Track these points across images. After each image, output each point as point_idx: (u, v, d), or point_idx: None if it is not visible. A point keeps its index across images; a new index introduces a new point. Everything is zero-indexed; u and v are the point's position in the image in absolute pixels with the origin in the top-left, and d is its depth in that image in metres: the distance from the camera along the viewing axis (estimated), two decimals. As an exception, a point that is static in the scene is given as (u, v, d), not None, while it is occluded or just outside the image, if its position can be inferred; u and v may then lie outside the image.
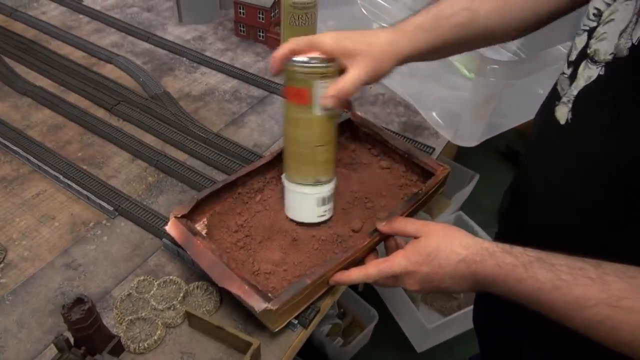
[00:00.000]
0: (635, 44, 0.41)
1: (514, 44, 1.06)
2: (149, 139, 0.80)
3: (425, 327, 1.29)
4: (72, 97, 0.86)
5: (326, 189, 0.61)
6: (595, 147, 0.46)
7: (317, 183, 0.61)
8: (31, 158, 0.73)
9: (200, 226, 0.63)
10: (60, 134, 0.79)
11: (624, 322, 0.39)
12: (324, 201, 0.62)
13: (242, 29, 1.04)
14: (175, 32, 1.06)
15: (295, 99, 0.56)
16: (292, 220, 0.64)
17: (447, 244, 0.49)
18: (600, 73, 0.45)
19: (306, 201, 0.61)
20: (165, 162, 0.75)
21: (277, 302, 0.50)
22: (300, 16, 0.87)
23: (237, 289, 0.52)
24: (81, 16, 1.09)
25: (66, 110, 0.83)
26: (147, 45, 1.01)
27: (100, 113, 0.84)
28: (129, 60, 0.95)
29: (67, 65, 0.93)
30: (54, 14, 1.09)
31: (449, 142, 0.84)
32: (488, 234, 1.56)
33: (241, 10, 1.01)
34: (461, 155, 1.99)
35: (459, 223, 1.64)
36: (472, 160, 1.96)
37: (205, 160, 0.76)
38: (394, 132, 0.83)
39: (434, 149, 0.81)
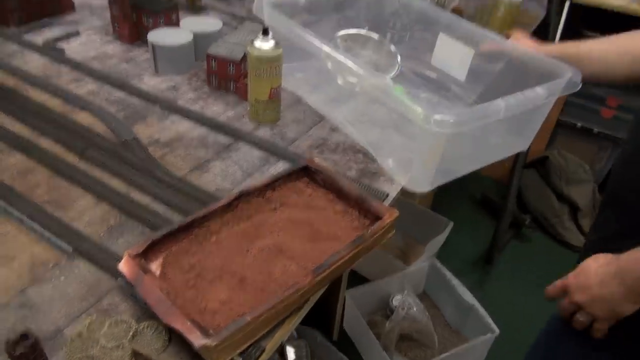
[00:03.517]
0: None
1: (471, 97, 1.12)
2: (115, 182, 0.83)
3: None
4: (45, 143, 0.90)
5: None
6: None
7: None
8: (-2, 200, 0.76)
9: (155, 265, 0.65)
10: (29, 178, 0.82)
11: None
12: None
13: (213, 80, 1.09)
14: (151, 82, 1.11)
15: None
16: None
17: (590, 261, 0.69)
18: None
19: None
20: (128, 205, 0.78)
21: (216, 339, 0.52)
22: (265, 69, 0.93)
23: (180, 325, 0.54)
24: (62, 66, 1.14)
25: (37, 154, 0.87)
26: (122, 94, 1.06)
27: (71, 158, 0.87)
28: (103, 108, 1.00)
29: (43, 112, 0.97)
30: (36, 64, 1.14)
31: (411, 190, 0.88)
32: (462, 282, 1.58)
33: (213, 63, 1.07)
34: (438, 203, 2.04)
35: (432, 270, 1.66)
36: (448, 208, 2.00)
37: (168, 204, 0.79)
38: (350, 178, 0.87)
39: (387, 194, 0.85)
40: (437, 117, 0.76)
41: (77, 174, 0.83)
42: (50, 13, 1.35)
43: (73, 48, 1.22)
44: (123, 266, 0.62)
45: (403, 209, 1.52)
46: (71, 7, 1.41)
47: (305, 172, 0.83)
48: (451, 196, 2.17)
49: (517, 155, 1.97)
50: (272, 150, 0.93)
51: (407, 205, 1.86)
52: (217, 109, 1.04)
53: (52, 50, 1.19)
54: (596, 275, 0.67)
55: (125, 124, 0.96)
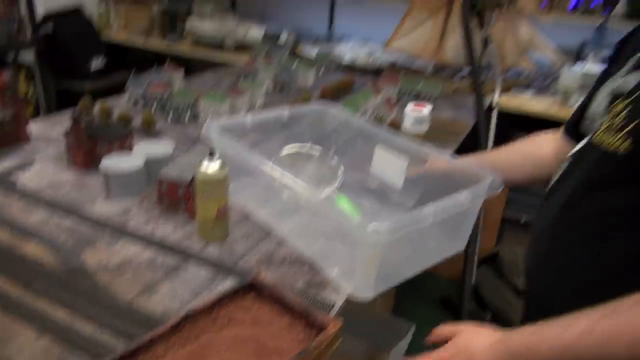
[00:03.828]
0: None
1: (410, 202, 1.20)
2: (59, 313, 0.82)
3: None
4: (-11, 276, 0.90)
5: None
6: None
7: None
8: None
9: None
10: (-31, 314, 0.81)
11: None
12: None
13: (164, 201, 1.14)
14: (103, 208, 1.14)
15: None
16: None
17: (472, 338, 0.71)
18: None
19: None
20: (72, 336, 0.77)
21: None
22: (211, 189, 0.99)
23: None
24: (12, 196, 1.16)
25: (-20, 289, 0.86)
26: (72, 221, 1.08)
27: (16, 291, 0.87)
28: (51, 236, 1.01)
29: (-10, 245, 0.97)
30: (-12, 196, 1.16)
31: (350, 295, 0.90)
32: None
33: (164, 185, 1.12)
34: (398, 306, 2.04)
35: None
36: (409, 310, 2.01)
37: (114, 330, 0.79)
38: (297, 290, 0.89)
39: (334, 303, 0.87)
40: (372, 225, 0.82)
41: (20, 307, 0.83)
42: (5, 144, 1.40)
43: (27, 177, 1.25)
44: None
45: (363, 316, 1.52)
46: (27, 138, 1.47)
47: (251, 288, 0.85)
48: (411, 298, 2.19)
49: (466, 254, 2.04)
50: (220, 267, 0.95)
51: (367, 311, 1.86)
52: (168, 229, 1.07)
53: (3, 181, 1.22)
54: (482, 358, 0.67)
55: (74, 251, 0.97)
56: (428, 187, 1.18)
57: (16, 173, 1.28)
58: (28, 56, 3.03)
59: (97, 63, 3.39)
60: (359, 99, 1.81)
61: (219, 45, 3.25)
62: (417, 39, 2.45)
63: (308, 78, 2.26)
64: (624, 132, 0.70)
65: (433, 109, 1.84)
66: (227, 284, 0.92)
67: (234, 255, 1.00)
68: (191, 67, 3.34)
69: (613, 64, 0.89)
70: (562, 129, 1.03)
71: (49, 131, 1.54)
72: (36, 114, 2.96)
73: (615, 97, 0.78)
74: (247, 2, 3.61)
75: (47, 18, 3.21)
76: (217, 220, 1.02)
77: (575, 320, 0.63)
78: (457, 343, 0.72)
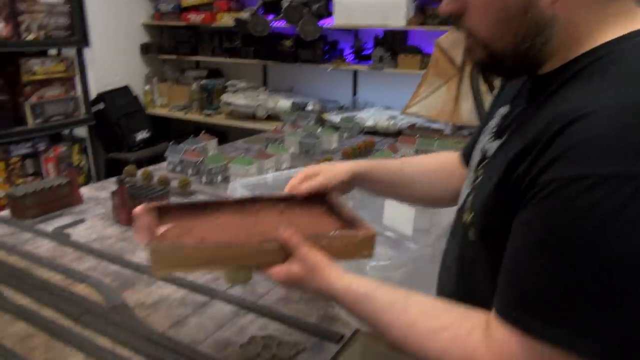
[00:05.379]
0: None
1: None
2: (103, 341, 0.95)
3: None
4: (45, 312, 1.04)
5: None
6: None
7: None
8: (0, 362, 0.88)
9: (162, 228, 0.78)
10: (28, 342, 0.95)
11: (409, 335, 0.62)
12: None
13: (196, 249, 1.28)
14: (142, 255, 1.29)
15: None
16: None
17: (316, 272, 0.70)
18: None
19: None
20: (114, 359, 0.89)
21: (158, 242, 0.69)
22: (235, 236, 1.12)
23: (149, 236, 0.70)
24: (67, 248, 1.34)
25: (38, 322, 1.00)
26: (116, 267, 1.23)
27: (67, 323, 1.01)
28: (98, 280, 1.16)
29: (46, 287, 1.13)
30: (46, 248, 1.34)
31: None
32: None
33: (195, 235, 1.27)
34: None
35: None
36: None
37: (148, 356, 0.91)
38: (310, 324, 0.99)
39: (343, 335, 0.97)
40: (372, 264, 0.93)
41: (71, 336, 0.96)
42: (62, 206, 1.60)
43: (78, 232, 1.43)
44: (137, 211, 0.76)
45: (384, 352, 1.58)
46: (80, 200, 1.67)
47: (320, 202, 0.88)
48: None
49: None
50: (242, 305, 1.07)
51: (379, 353, 1.90)
52: (198, 273, 1.21)
53: (59, 236, 1.40)
54: (312, 292, 0.71)
55: (116, 291, 1.12)
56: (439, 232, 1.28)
57: (69, 230, 1.46)
58: (81, 131, 3.37)
59: (142, 135, 3.72)
60: (376, 159, 1.96)
61: (251, 116, 3.52)
62: (434, 103, 2.62)
63: (332, 142, 2.44)
64: (469, 220, 0.67)
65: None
66: (248, 319, 1.03)
67: (255, 295, 1.12)
68: (226, 136, 3.62)
69: (493, 104, 0.81)
70: (459, 154, 0.96)
71: (98, 194, 1.74)
72: (88, 182, 3.24)
73: (483, 157, 0.71)
74: (277, 76, 3.93)
75: (100, 96, 3.59)
76: (241, 266, 1.14)
77: (408, 309, 0.63)
78: (309, 273, 0.70)
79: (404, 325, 0.62)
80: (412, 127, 2.76)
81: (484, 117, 0.82)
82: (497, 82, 2.38)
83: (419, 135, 2.37)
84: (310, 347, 0.95)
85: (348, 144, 2.43)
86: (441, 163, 0.98)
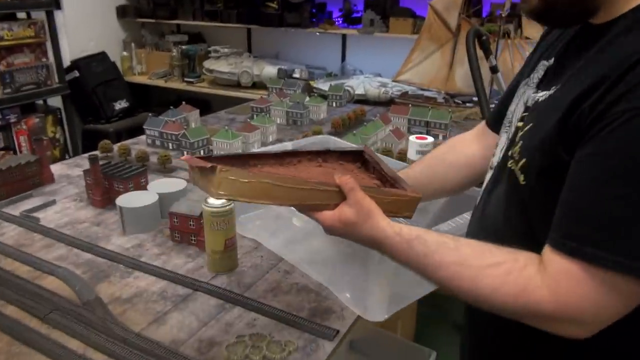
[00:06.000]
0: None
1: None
2: (73, 343, 0.86)
3: None
4: (9, 309, 0.94)
5: None
6: None
7: None
8: (-45, 372, 0.78)
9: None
10: (-11, 346, 0.85)
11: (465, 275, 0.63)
12: None
13: (176, 234, 1.18)
14: (118, 242, 1.19)
15: None
16: None
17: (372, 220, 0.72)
18: None
19: None
20: (84, 365, 0.80)
21: (224, 166, 0.68)
22: (219, 222, 1.02)
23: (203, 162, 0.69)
24: (35, 234, 1.22)
25: (0, 322, 0.90)
26: (89, 256, 1.13)
27: (33, 322, 0.91)
28: (69, 271, 1.06)
29: (11, 280, 1.02)
30: (12, 234, 1.23)
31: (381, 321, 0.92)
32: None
33: (175, 219, 1.16)
34: (420, 333, 2.02)
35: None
36: (431, 337, 1.98)
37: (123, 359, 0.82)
38: (302, 318, 0.91)
39: (337, 331, 0.89)
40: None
41: (37, 338, 0.87)
42: (30, 187, 1.48)
43: (48, 216, 1.32)
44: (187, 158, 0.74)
45: (384, 343, 1.52)
46: (51, 179, 1.55)
47: (359, 157, 0.92)
48: (434, 323, 2.16)
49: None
50: (227, 298, 0.98)
51: (388, 338, 1.85)
52: (179, 261, 1.11)
53: (27, 220, 1.28)
54: (360, 238, 0.73)
55: (89, 284, 1.02)
56: (437, 213, 1.20)
57: (38, 213, 1.34)
58: (56, 101, 3.19)
59: (121, 105, 3.54)
60: (368, 130, 1.85)
61: (235, 84, 3.36)
62: (426, 69, 2.50)
63: (320, 112, 2.32)
64: (519, 166, 0.67)
65: (445, 136, 1.86)
66: (235, 313, 0.94)
67: (242, 286, 1.03)
68: (209, 105, 3.47)
69: (532, 59, 0.82)
70: (484, 122, 0.98)
71: (71, 172, 1.62)
72: (63, 155, 3.09)
73: (526, 109, 0.73)
74: (262, 43, 3.75)
75: (74, 64, 3.40)
76: (225, 252, 1.05)
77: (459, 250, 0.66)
78: (361, 217, 0.73)
79: (455, 263, 0.65)
80: (405, 95, 2.64)
81: (515, 76, 0.88)
82: (493, 48, 2.26)
83: (412, 105, 2.26)
84: (302, 345, 0.86)
85: (337, 113, 2.31)
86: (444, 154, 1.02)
